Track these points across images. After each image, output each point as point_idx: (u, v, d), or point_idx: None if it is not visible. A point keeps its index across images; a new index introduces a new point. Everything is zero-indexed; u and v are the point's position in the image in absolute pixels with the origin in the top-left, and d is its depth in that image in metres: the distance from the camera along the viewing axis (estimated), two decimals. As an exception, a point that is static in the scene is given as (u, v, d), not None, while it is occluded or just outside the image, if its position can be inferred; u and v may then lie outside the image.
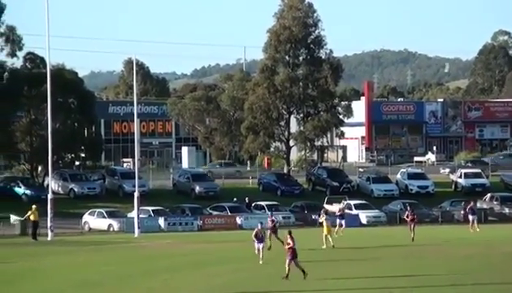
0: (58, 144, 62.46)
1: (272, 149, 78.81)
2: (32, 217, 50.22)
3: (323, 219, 43.09)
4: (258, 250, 34.03)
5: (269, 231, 39.62)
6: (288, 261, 29.90)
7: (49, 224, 50.82)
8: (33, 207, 50.60)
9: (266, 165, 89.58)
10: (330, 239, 41.94)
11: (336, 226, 47.42)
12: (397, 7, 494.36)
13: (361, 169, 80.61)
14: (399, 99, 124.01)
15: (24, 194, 64.64)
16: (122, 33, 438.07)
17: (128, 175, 68.05)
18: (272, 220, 41.17)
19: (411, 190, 71.62)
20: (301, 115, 77.17)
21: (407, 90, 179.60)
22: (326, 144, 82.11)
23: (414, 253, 39.57)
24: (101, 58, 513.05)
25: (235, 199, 65.11)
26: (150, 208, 59.68)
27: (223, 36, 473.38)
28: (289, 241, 30.28)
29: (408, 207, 51.04)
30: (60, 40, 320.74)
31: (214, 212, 62.08)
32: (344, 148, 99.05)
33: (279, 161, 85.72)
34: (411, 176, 73.34)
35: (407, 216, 47.90)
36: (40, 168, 70.62)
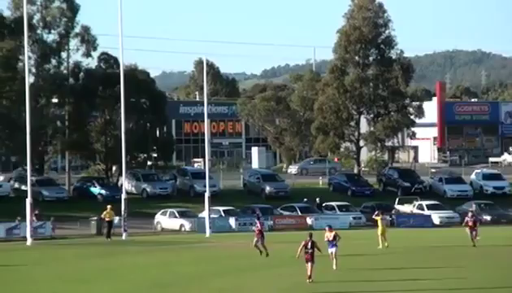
0: (131, 144, 63.48)
1: (342, 149, 78.63)
2: (106, 217, 51.04)
3: (378, 218, 42.95)
4: (331, 253, 33.14)
5: (255, 237, 38.33)
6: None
7: (123, 224, 51.72)
8: (108, 207, 51.44)
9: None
10: (385, 239, 41.69)
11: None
12: (470, 7, 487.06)
13: (433, 170, 79.87)
14: (472, 100, 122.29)
15: (100, 193, 65.76)
16: (193, 34, 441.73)
17: (198, 175, 68.71)
18: (261, 224, 39.72)
19: (486, 190, 70.64)
20: (372, 115, 76.87)
21: (481, 91, 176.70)
22: (397, 144, 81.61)
23: (488, 255, 39.03)
24: (172, 58, 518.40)
25: (305, 200, 65.13)
26: (221, 208, 60.11)
27: (293, 36, 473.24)
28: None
29: (469, 214, 45.70)
30: (133, 40, 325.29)
31: (285, 213, 62.22)
32: (415, 149, 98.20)
33: (349, 161, 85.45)
34: (486, 176, 72.33)
35: (467, 223, 43.37)
36: (114, 168, 71.72)
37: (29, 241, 47.96)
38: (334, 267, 32.37)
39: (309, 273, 29.79)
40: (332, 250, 32.79)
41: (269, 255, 37.59)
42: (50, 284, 32.14)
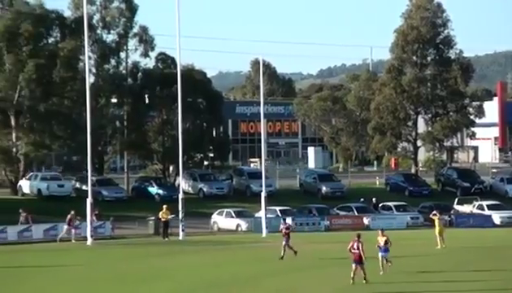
0: (188, 144, 63.97)
1: (399, 149, 78.16)
2: (163, 217, 51.46)
3: (435, 218, 42.70)
4: (382, 257, 32.15)
5: (283, 240, 37.78)
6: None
7: (180, 224, 52.10)
8: (164, 207, 51.88)
9: (393, 166, 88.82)
10: (442, 239, 41.41)
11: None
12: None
13: (494, 170, 78.88)
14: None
15: (157, 193, 66.28)
16: (249, 34, 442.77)
17: (255, 175, 68.91)
18: (287, 227, 38.90)
19: (549, 191, 69.46)
20: (430, 115, 76.28)
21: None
22: (456, 144, 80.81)
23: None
24: (229, 58, 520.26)
25: (362, 199, 64.87)
26: (277, 208, 60.19)
27: (350, 36, 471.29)
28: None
29: None
30: (190, 40, 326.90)
31: (341, 213, 62.05)
32: (475, 149, 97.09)
33: (406, 161, 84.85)
34: None
35: None
36: (171, 168, 72.32)
37: (89, 240, 48.60)
38: (381, 272, 31.73)
39: (352, 275, 29.75)
40: (383, 254, 32.10)
41: (297, 253, 37.70)
42: (110, 284, 32.63)
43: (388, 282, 30.36)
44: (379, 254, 32.01)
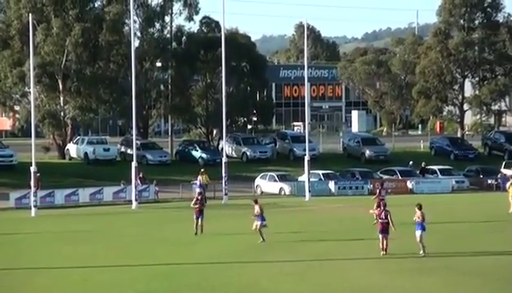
0: (232, 108, 64.12)
1: (445, 113, 77.42)
2: (203, 181, 50.59)
3: (508, 183, 42.53)
4: (418, 236, 28.96)
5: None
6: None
7: (224, 187, 52.23)
8: (201, 170, 51.68)
9: (438, 130, 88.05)
10: None
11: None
12: None
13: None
14: None
15: (201, 157, 66.48)
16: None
17: (298, 139, 68.85)
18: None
19: None
20: (477, 79, 75.40)
21: None
22: (504, 108, 79.81)
23: None
24: (272, 22, 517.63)
25: (411, 163, 64.16)
26: (320, 172, 60.12)
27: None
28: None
29: None
30: (234, 3, 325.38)
31: (385, 176, 61.68)
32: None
33: (451, 125, 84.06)
34: None
35: None
36: (215, 132, 72.56)
37: (134, 204, 49.07)
38: (421, 252, 28.81)
39: (381, 246, 28.71)
40: (418, 233, 28.77)
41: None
42: (153, 246, 33.05)
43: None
44: (416, 232, 28.86)
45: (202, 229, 34.91)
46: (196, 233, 34.82)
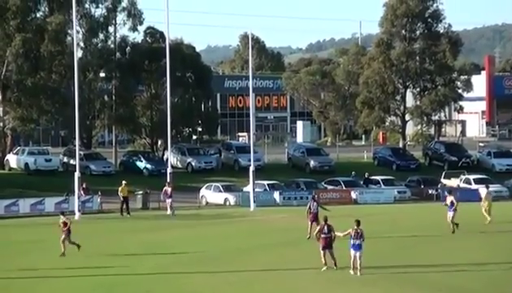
0: (177, 118, 63.96)
1: (387, 123, 78.30)
2: (122, 193, 49.82)
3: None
4: (355, 257, 27.37)
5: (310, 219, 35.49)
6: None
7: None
8: (123, 182, 50.81)
9: (381, 140, 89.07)
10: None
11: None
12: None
13: (481, 144, 79.10)
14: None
15: (145, 168, 66.21)
16: (238, 8, 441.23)
17: (243, 149, 69.02)
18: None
19: (535, 164, 69.63)
20: (418, 89, 76.39)
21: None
22: (444, 118, 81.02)
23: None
24: (217, 32, 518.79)
25: (353, 173, 64.81)
26: (266, 182, 60.32)
27: (339, 10, 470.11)
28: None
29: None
30: (178, 14, 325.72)
31: (329, 187, 62.21)
32: (463, 123, 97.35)
33: (394, 136, 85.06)
34: None
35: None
36: (159, 142, 72.31)
37: (77, 215, 48.62)
38: (358, 273, 27.12)
39: (323, 261, 28.01)
40: (356, 253, 27.12)
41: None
42: (98, 258, 32.75)
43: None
44: (351, 251, 27.30)
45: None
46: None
